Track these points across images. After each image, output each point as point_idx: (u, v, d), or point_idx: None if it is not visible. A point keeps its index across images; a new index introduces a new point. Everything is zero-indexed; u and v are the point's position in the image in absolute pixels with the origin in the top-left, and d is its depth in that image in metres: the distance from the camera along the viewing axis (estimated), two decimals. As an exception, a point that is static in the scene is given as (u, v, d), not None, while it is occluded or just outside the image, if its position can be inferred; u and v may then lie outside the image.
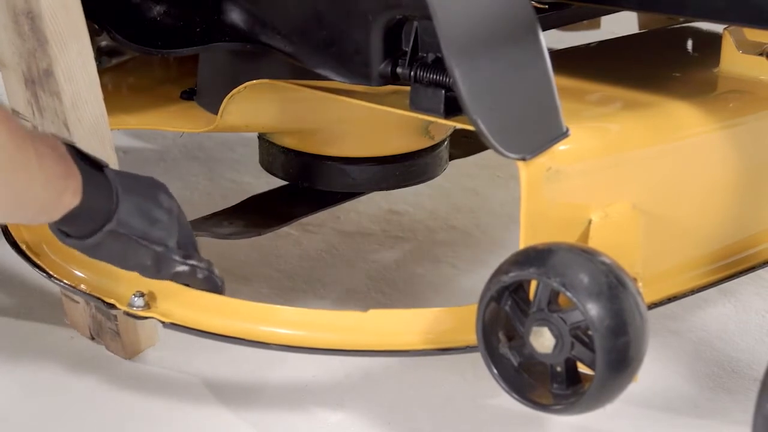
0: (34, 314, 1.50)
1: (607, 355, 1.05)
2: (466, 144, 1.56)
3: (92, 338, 1.44)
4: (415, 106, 1.20)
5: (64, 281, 1.31)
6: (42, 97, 1.30)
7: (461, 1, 1.13)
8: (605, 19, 1.66)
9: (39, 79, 1.28)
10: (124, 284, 1.27)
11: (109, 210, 1.18)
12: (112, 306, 1.26)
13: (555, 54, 1.18)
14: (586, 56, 1.48)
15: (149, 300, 1.25)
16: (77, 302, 1.41)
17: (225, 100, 1.31)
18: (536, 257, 1.09)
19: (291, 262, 1.61)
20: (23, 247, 1.37)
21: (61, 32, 1.26)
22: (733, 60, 1.39)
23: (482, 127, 1.12)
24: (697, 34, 1.56)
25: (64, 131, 1.29)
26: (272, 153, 1.40)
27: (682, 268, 1.29)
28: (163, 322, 1.24)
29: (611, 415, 1.27)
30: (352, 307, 1.46)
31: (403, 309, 1.23)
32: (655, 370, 1.39)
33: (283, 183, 1.45)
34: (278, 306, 1.27)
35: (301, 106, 1.33)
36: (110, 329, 1.40)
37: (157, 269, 1.22)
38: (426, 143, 1.39)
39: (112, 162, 1.33)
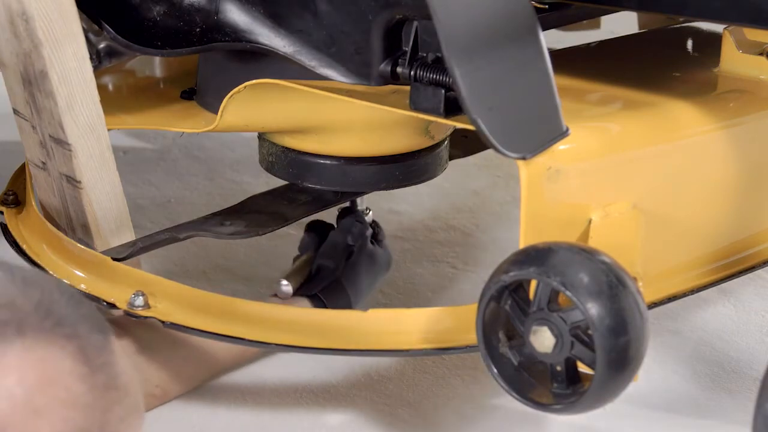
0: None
1: (607, 355, 1.05)
2: (466, 144, 1.55)
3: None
4: (415, 105, 1.20)
5: (64, 281, 1.31)
6: (38, 97, 1.30)
7: (461, 1, 1.13)
8: (605, 19, 1.65)
9: (35, 80, 1.28)
10: (124, 284, 1.27)
11: None
12: (112, 306, 1.26)
13: (555, 54, 1.18)
14: (586, 56, 1.48)
15: (149, 300, 1.25)
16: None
17: (225, 99, 1.31)
18: (536, 257, 1.09)
19: (291, 262, 1.61)
20: (23, 246, 1.37)
21: (55, 34, 1.26)
22: (733, 60, 1.39)
23: (482, 126, 1.12)
24: (697, 34, 1.56)
25: (59, 132, 1.29)
26: (272, 153, 1.40)
27: (682, 267, 1.29)
28: (163, 322, 1.23)
29: (611, 415, 1.27)
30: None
31: (403, 309, 1.23)
32: (655, 370, 1.39)
33: (283, 183, 1.45)
34: (278, 306, 1.27)
35: (301, 106, 1.33)
36: (110, 329, 1.40)
37: None
38: (426, 143, 1.39)
39: (110, 162, 1.33)
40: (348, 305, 1.40)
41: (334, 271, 1.41)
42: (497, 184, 1.91)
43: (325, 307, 1.38)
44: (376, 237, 1.50)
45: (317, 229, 1.48)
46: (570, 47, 1.50)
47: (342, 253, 1.43)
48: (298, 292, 1.40)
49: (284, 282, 1.39)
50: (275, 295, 1.38)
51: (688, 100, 1.29)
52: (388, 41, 1.25)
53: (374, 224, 1.52)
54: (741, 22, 1.28)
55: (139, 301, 1.24)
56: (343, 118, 1.33)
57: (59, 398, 0.89)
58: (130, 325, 1.28)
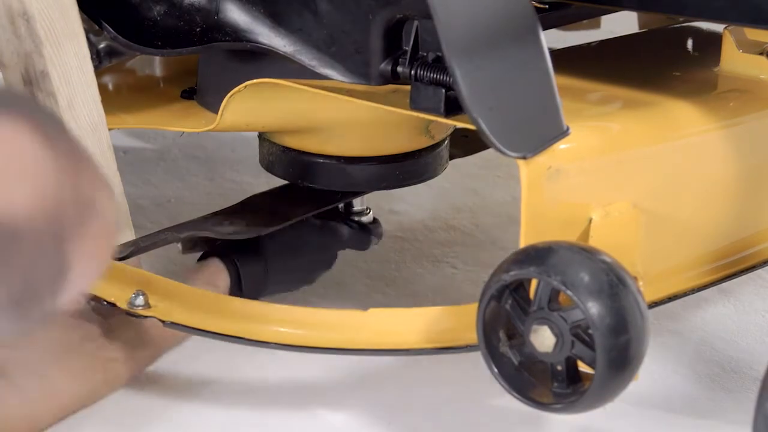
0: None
1: (607, 354, 1.05)
2: (466, 143, 1.55)
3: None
4: (415, 105, 1.20)
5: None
6: (39, 97, 1.29)
7: (461, 1, 1.13)
8: (605, 19, 1.66)
9: (36, 79, 1.28)
10: (125, 284, 1.27)
11: None
12: (112, 305, 1.25)
13: (555, 54, 1.18)
14: (586, 56, 1.48)
15: (149, 299, 1.25)
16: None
17: (225, 99, 1.31)
18: (536, 256, 1.09)
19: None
20: (23, 246, 1.37)
21: (56, 34, 1.26)
22: (734, 59, 1.39)
23: (483, 126, 1.12)
24: (697, 33, 1.56)
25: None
26: (272, 152, 1.40)
27: (682, 267, 1.29)
28: (163, 322, 1.23)
29: (611, 415, 1.27)
30: (352, 306, 1.46)
31: (403, 309, 1.23)
32: (655, 370, 1.39)
33: (283, 182, 1.45)
34: (278, 305, 1.27)
35: (301, 105, 1.33)
36: (110, 329, 1.40)
37: None
38: (426, 142, 1.39)
39: (110, 162, 1.33)
40: (260, 263, 1.39)
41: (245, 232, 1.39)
42: (497, 184, 1.91)
43: (234, 264, 1.37)
44: (336, 215, 1.48)
45: None
46: (570, 47, 1.50)
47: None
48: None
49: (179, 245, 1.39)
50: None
51: (689, 100, 1.30)
52: (389, 40, 1.25)
53: (375, 223, 1.51)
54: (741, 22, 1.28)
55: (140, 300, 1.24)
56: (343, 117, 1.33)
57: (27, 172, 0.87)
58: None
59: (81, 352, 1.27)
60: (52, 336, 1.28)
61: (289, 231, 1.41)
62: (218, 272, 1.37)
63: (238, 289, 1.38)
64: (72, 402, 1.25)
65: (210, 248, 1.40)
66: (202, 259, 1.40)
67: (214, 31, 1.33)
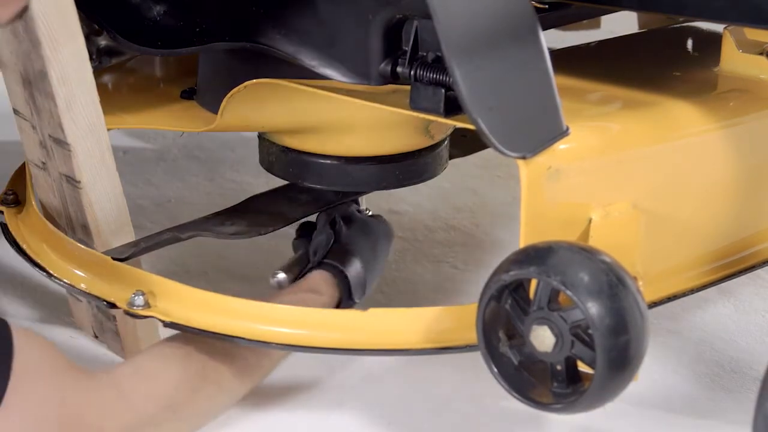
0: (35, 314, 1.50)
1: (607, 354, 1.05)
2: (466, 143, 1.55)
3: (96, 337, 1.44)
4: (415, 105, 1.20)
5: (65, 280, 1.31)
6: (38, 98, 1.29)
7: (461, 1, 1.13)
8: (605, 19, 1.66)
9: (34, 80, 1.28)
10: (124, 284, 1.27)
11: None
12: (113, 305, 1.25)
13: (555, 54, 1.18)
14: (586, 56, 1.48)
15: (149, 299, 1.25)
16: (81, 300, 1.41)
17: (225, 99, 1.31)
18: (536, 256, 1.09)
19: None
20: (23, 246, 1.37)
21: (54, 34, 1.26)
22: (734, 59, 1.39)
23: (483, 126, 1.12)
24: (697, 33, 1.56)
25: (59, 132, 1.29)
26: (272, 152, 1.40)
27: (682, 267, 1.29)
28: (163, 322, 1.23)
29: (611, 415, 1.27)
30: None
31: (403, 309, 1.23)
32: (655, 370, 1.39)
33: (283, 183, 1.45)
34: (278, 305, 1.27)
35: (301, 105, 1.33)
36: (110, 329, 1.40)
37: None
38: (426, 142, 1.39)
39: (110, 162, 1.33)
40: (359, 266, 1.37)
41: (328, 242, 1.38)
42: (497, 184, 1.91)
43: (341, 272, 1.35)
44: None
45: (308, 229, 1.46)
46: (570, 47, 1.50)
47: (330, 231, 1.40)
48: (303, 273, 1.37)
49: (280, 273, 1.37)
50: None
51: (688, 100, 1.30)
52: (388, 41, 1.25)
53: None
54: (741, 22, 1.28)
55: (139, 300, 1.24)
56: (343, 117, 1.33)
57: None
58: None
59: (173, 344, 1.26)
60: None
61: (361, 227, 1.41)
62: (321, 279, 1.35)
63: (347, 291, 1.36)
64: (169, 389, 1.22)
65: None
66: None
67: (214, 31, 1.33)
